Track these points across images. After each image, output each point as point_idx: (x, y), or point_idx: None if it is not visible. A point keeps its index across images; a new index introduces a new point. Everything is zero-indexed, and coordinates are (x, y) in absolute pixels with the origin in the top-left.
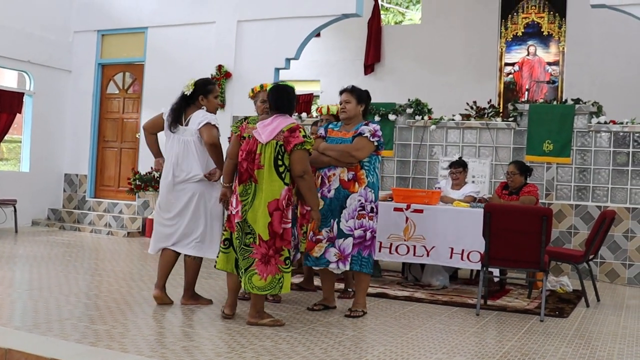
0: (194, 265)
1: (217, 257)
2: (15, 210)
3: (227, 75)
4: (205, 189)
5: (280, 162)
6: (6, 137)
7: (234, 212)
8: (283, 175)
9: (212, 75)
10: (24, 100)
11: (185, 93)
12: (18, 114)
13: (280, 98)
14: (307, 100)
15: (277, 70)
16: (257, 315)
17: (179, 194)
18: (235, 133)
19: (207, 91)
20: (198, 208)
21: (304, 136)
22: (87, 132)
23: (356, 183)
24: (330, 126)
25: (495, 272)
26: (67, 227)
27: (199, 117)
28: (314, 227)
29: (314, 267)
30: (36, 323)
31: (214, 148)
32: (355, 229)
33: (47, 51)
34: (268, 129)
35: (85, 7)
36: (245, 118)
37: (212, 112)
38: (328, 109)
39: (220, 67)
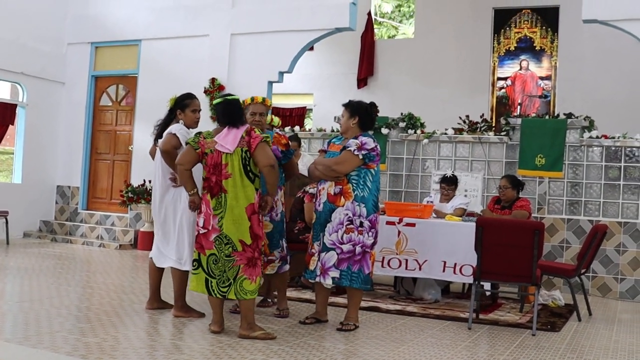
0: (176, 276)
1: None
2: (6, 222)
3: (221, 88)
4: (172, 202)
5: (249, 168)
6: None
7: (204, 231)
8: (253, 180)
9: (205, 88)
10: (16, 111)
11: (168, 108)
12: (11, 126)
13: (231, 112)
14: (300, 113)
15: (270, 83)
16: (249, 327)
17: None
18: (196, 149)
19: (184, 105)
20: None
21: (263, 134)
22: (79, 144)
23: (342, 197)
24: (333, 140)
25: (487, 285)
26: (59, 239)
27: (170, 128)
28: (310, 241)
29: (310, 280)
30: (27, 335)
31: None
32: (342, 243)
33: (41, 63)
34: (229, 139)
35: (79, 19)
36: (200, 133)
37: (191, 125)
38: (272, 119)
39: (213, 80)
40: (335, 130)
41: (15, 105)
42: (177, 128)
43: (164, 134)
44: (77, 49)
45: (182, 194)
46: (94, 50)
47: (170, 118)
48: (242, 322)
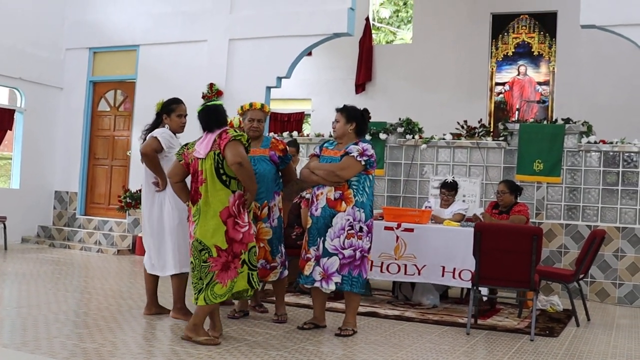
0: (173, 280)
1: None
2: (4, 227)
3: (219, 93)
4: (158, 207)
5: (222, 171)
6: None
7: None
8: (228, 183)
9: (203, 93)
10: (15, 117)
11: (155, 112)
12: (9, 131)
13: (209, 118)
14: (299, 119)
15: (269, 88)
16: (194, 330)
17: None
18: (179, 161)
19: (169, 110)
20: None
21: (234, 133)
22: (77, 149)
23: (343, 202)
24: (325, 145)
25: (484, 291)
26: (57, 244)
27: (154, 132)
28: (305, 246)
29: (305, 285)
30: (24, 341)
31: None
32: (344, 248)
33: (39, 68)
34: (203, 144)
35: (77, 25)
36: (186, 144)
37: (176, 130)
38: (232, 122)
39: (211, 85)
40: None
41: (13, 111)
42: (159, 132)
43: (141, 137)
44: (75, 54)
45: (167, 199)
46: (92, 56)
47: (157, 122)
48: (189, 323)
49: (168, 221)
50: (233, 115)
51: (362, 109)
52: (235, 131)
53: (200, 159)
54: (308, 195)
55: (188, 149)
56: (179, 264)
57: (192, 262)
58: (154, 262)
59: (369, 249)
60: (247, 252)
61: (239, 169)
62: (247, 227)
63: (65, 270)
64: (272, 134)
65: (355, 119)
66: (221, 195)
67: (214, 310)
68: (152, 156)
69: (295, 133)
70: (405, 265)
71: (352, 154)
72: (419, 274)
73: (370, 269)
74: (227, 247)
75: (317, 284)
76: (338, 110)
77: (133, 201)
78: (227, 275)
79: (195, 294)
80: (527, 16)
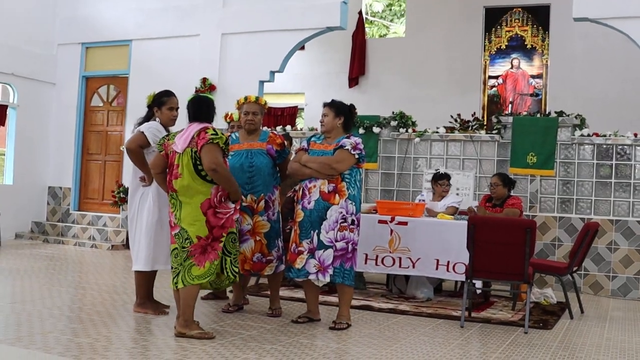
0: (140, 275)
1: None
2: None
3: (212, 87)
4: (136, 202)
5: (200, 167)
6: None
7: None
8: (208, 178)
9: (196, 88)
10: (7, 112)
11: (146, 105)
12: (1, 127)
13: (200, 108)
14: (292, 113)
15: (262, 82)
16: (186, 325)
17: None
18: (159, 151)
19: (160, 103)
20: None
21: (212, 134)
22: (71, 144)
23: (337, 195)
24: (312, 139)
25: (478, 284)
26: (51, 240)
27: (141, 126)
28: (296, 239)
29: (296, 279)
30: (19, 336)
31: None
32: (337, 240)
33: (31, 64)
34: (182, 139)
35: (70, 20)
36: (167, 135)
37: (167, 124)
38: (232, 116)
39: (204, 79)
40: None
41: (5, 107)
42: (147, 126)
43: (134, 131)
44: (68, 49)
45: (150, 195)
46: (85, 51)
47: (149, 116)
48: (179, 319)
49: (147, 217)
50: (232, 111)
51: (349, 104)
52: (215, 131)
53: (177, 153)
54: None
55: (169, 140)
56: (151, 261)
57: (175, 249)
58: (132, 254)
59: (357, 241)
60: (226, 235)
61: (214, 174)
62: (230, 212)
63: (59, 266)
64: (266, 128)
65: (343, 114)
66: (203, 189)
67: (177, 299)
68: (136, 152)
69: (288, 127)
70: (400, 258)
71: (346, 147)
72: (413, 267)
73: (365, 262)
74: (207, 234)
75: (311, 277)
76: (326, 104)
77: (126, 196)
78: (204, 257)
79: (173, 278)
80: (520, 9)
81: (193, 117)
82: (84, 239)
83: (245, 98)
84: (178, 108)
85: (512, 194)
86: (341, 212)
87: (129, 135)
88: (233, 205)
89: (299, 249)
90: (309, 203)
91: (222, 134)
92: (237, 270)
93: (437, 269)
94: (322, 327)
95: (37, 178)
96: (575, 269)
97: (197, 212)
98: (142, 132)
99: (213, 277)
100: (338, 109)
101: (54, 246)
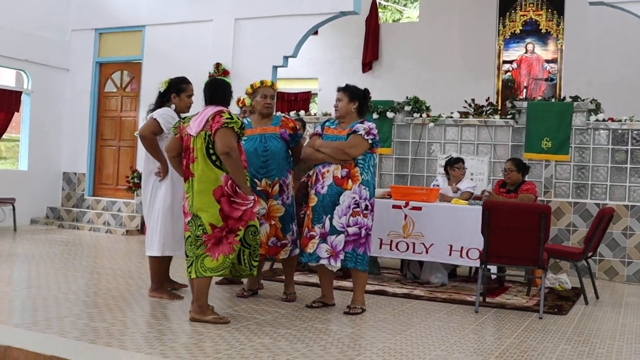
0: (153, 260)
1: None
2: (13, 209)
3: (225, 73)
4: (153, 186)
5: (212, 151)
6: (4, 136)
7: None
8: (218, 163)
9: (210, 73)
10: (22, 99)
11: (160, 90)
12: (16, 113)
13: (215, 91)
14: (305, 98)
15: (275, 68)
16: (200, 311)
17: None
18: (175, 134)
19: (179, 89)
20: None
21: (227, 118)
22: (85, 130)
23: (350, 180)
24: (326, 124)
25: (493, 269)
26: (66, 225)
27: (153, 113)
28: (309, 224)
29: (310, 264)
30: (35, 321)
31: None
32: (349, 226)
33: (45, 50)
34: (197, 122)
35: (83, 6)
36: (183, 119)
37: (183, 110)
38: (244, 100)
39: (218, 65)
40: None
41: (20, 93)
42: (160, 113)
43: (147, 118)
44: (81, 35)
45: (164, 181)
46: (98, 37)
47: (161, 101)
48: (193, 305)
49: (161, 202)
50: (244, 96)
51: (363, 88)
52: (230, 115)
53: (192, 136)
54: None
55: (184, 123)
56: (164, 246)
57: (189, 236)
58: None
59: (371, 227)
60: (244, 229)
61: (227, 158)
62: (249, 204)
63: (74, 251)
64: (279, 113)
65: (357, 98)
66: (214, 174)
67: (191, 286)
68: (150, 139)
69: (302, 112)
70: (414, 244)
71: (359, 133)
72: (426, 252)
73: (380, 247)
74: (222, 224)
75: (323, 262)
76: (340, 89)
77: (141, 182)
78: (218, 249)
79: (187, 267)
80: None
81: (209, 100)
82: (99, 224)
83: (261, 82)
84: (193, 95)
85: (526, 179)
86: (354, 198)
87: (143, 121)
88: (252, 198)
89: (311, 233)
90: (322, 188)
91: (238, 119)
92: (255, 263)
93: (450, 254)
94: (336, 311)
95: (52, 164)
96: (590, 254)
97: (210, 199)
98: (155, 119)
99: (227, 272)
100: (352, 93)
101: (69, 231)
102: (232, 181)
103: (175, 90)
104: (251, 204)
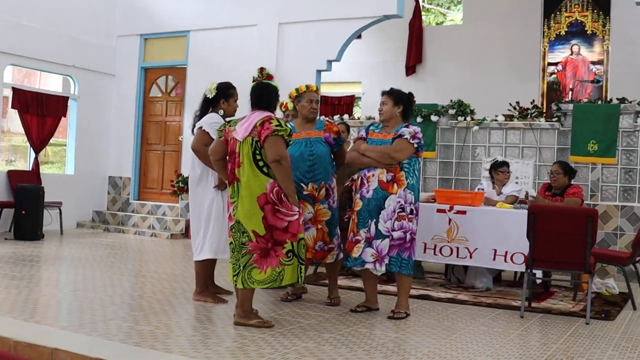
0: (200, 265)
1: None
2: (60, 213)
3: (269, 77)
4: (200, 191)
5: (259, 157)
6: (51, 141)
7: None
8: (264, 169)
9: (254, 77)
10: (68, 104)
11: (208, 96)
12: (63, 118)
13: (260, 95)
14: (349, 102)
15: (319, 72)
16: (244, 315)
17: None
18: (220, 137)
19: (228, 95)
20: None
21: (276, 125)
22: (130, 135)
23: (395, 184)
24: (371, 128)
25: (538, 273)
26: (111, 229)
27: (201, 121)
28: (354, 228)
29: (354, 268)
30: (81, 323)
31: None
32: (394, 230)
33: (91, 55)
34: (244, 127)
35: (129, 12)
36: (229, 122)
37: (231, 114)
38: (287, 105)
39: (262, 69)
40: None
41: (67, 98)
42: (208, 122)
43: (195, 129)
44: (127, 41)
45: (211, 184)
46: (143, 42)
47: (206, 107)
48: (237, 310)
49: (207, 207)
50: (285, 100)
51: (407, 92)
52: (279, 122)
53: (238, 140)
54: None
55: (230, 126)
56: (209, 250)
57: (231, 243)
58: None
59: (416, 231)
60: (296, 243)
61: (278, 167)
62: (295, 217)
63: (119, 254)
64: (323, 117)
65: (402, 102)
66: (259, 181)
67: (236, 292)
68: (202, 151)
69: (345, 116)
70: (458, 248)
71: (405, 137)
72: (470, 257)
73: (424, 252)
74: (265, 233)
75: (368, 266)
76: (385, 93)
77: (185, 186)
78: (266, 262)
79: (233, 275)
80: None
81: (254, 104)
82: (144, 228)
83: (307, 87)
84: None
85: (572, 182)
86: (399, 202)
87: (188, 125)
88: (297, 209)
89: (356, 237)
90: (367, 192)
91: (286, 126)
92: (304, 274)
93: (494, 259)
94: (380, 316)
95: (98, 168)
96: (638, 259)
97: (254, 206)
98: (204, 130)
99: (275, 284)
100: (397, 97)
101: (115, 235)
102: (278, 189)
103: (224, 96)
104: (296, 216)
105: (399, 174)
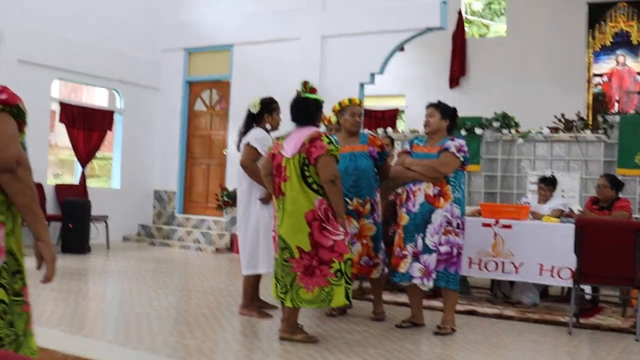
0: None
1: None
2: (107, 226)
3: (312, 91)
4: (246, 206)
5: (307, 174)
6: (97, 155)
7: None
8: (312, 186)
9: (297, 91)
10: (114, 118)
11: (252, 111)
12: (109, 132)
13: (298, 110)
14: (392, 115)
15: (362, 85)
16: (290, 330)
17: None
18: (269, 151)
19: (272, 109)
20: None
21: (329, 143)
22: (175, 149)
23: (441, 198)
24: (415, 141)
25: (587, 289)
26: (157, 242)
27: (247, 137)
28: (400, 243)
29: (400, 283)
30: (128, 337)
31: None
32: (441, 244)
33: (137, 70)
34: (292, 143)
35: (173, 26)
36: (277, 138)
37: (276, 127)
38: (330, 118)
39: (305, 82)
40: None
41: (112, 112)
42: (253, 137)
43: (242, 145)
44: (172, 55)
45: (257, 201)
46: (188, 56)
47: (250, 122)
48: (283, 325)
49: (254, 220)
50: (329, 114)
51: (452, 107)
52: (330, 140)
53: (285, 156)
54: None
55: (278, 141)
56: (255, 264)
57: (276, 259)
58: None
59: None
60: (343, 262)
61: (332, 187)
62: (341, 236)
63: (165, 268)
64: (367, 130)
65: (449, 116)
66: (307, 197)
67: (282, 308)
68: (251, 167)
69: (389, 129)
70: (503, 263)
71: (451, 150)
72: (516, 272)
73: (469, 267)
74: (310, 250)
75: (416, 281)
76: (433, 105)
77: (230, 200)
78: (312, 280)
79: (281, 292)
80: (625, 4)
81: (293, 119)
82: (189, 242)
83: (350, 100)
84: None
85: (620, 196)
86: (446, 216)
87: (232, 139)
88: (343, 230)
89: (403, 252)
90: (413, 206)
91: (337, 145)
92: (351, 293)
93: (540, 274)
94: (426, 332)
95: (143, 182)
96: None
97: (300, 222)
98: (251, 145)
99: (325, 304)
100: (444, 110)
101: (160, 249)
102: (326, 206)
103: (268, 110)
104: (342, 236)
105: (445, 188)
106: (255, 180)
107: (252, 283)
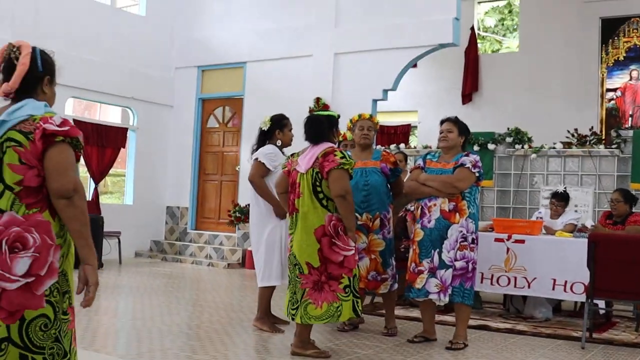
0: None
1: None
2: (119, 242)
3: (325, 107)
4: (260, 220)
5: (319, 189)
6: (111, 171)
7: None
8: (324, 202)
9: (310, 107)
10: (127, 135)
11: (263, 129)
12: (122, 149)
13: (310, 128)
14: (405, 131)
15: (375, 101)
16: (302, 345)
17: None
18: (284, 169)
19: (282, 125)
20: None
21: (341, 157)
22: (188, 165)
23: (457, 214)
24: (428, 157)
25: (601, 304)
26: (169, 258)
27: (257, 153)
28: (416, 259)
29: (416, 299)
30: (139, 352)
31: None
32: (457, 260)
33: (150, 87)
34: (306, 159)
35: (186, 44)
36: (292, 154)
37: (288, 143)
38: (345, 135)
39: (318, 99)
40: None
41: (126, 129)
42: (263, 153)
43: (252, 160)
44: (185, 72)
45: (272, 212)
46: (201, 74)
47: (263, 139)
48: (295, 340)
49: (268, 234)
50: (343, 130)
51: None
52: (343, 154)
53: (300, 172)
54: (412, 208)
55: (292, 158)
56: (268, 277)
57: (289, 275)
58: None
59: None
60: (352, 278)
61: (342, 202)
62: (351, 252)
63: (177, 284)
64: (379, 146)
65: (465, 133)
66: (317, 213)
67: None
68: (259, 182)
69: (402, 145)
70: (515, 278)
71: (466, 166)
72: (528, 287)
73: (481, 282)
74: (319, 265)
75: (432, 296)
76: (451, 120)
77: (242, 215)
78: (320, 296)
79: (292, 309)
80: (638, 19)
81: (306, 137)
82: (201, 258)
83: (359, 115)
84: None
85: (634, 210)
86: (461, 231)
87: (245, 156)
88: (353, 245)
89: (419, 268)
90: (429, 222)
91: (351, 159)
92: (361, 307)
93: (553, 289)
94: (438, 347)
95: (156, 198)
96: None
97: (309, 237)
98: (260, 161)
99: (334, 320)
100: (461, 127)
101: (172, 264)
102: (336, 222)
103: (278, 127)
104: (352, 251)
105: (460, 203)
106: (261, 196)
107: (266, 295)
